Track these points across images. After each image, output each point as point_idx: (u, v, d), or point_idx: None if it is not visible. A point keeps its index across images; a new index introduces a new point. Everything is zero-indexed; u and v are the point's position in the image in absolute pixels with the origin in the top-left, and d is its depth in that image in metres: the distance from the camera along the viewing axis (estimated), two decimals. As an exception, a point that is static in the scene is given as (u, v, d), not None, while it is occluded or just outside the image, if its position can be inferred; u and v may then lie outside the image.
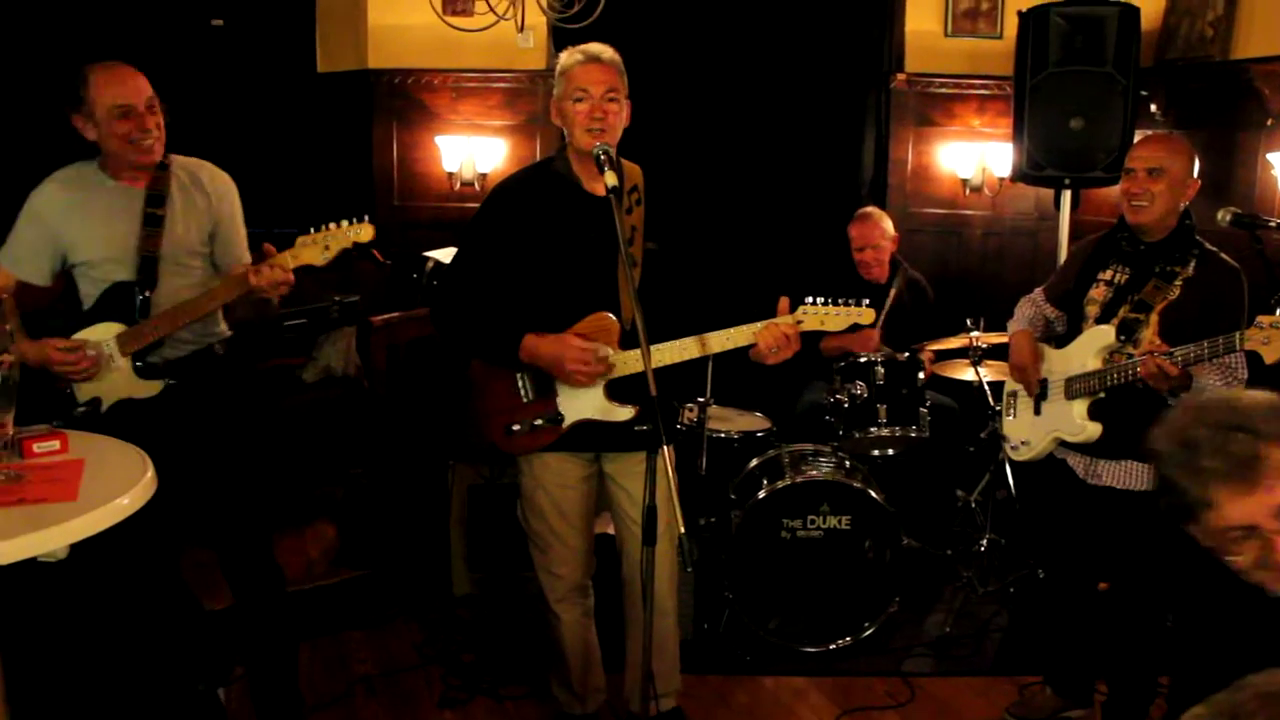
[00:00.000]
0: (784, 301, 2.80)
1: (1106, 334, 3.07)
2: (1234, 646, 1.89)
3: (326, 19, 5.83)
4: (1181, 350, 2.80)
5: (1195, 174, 3.06)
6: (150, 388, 2.92)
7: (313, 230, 2.81)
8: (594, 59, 2.85)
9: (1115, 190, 4.78)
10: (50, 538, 1.95)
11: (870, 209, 4.94)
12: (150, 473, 2.24)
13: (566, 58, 2.89)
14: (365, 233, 2.81)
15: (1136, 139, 3.42)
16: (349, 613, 4.07)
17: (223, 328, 3.10)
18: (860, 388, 4.27)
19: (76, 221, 2.90)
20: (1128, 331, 3.04)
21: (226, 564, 3.10)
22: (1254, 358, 2.74)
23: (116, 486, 2.14)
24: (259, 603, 3.12)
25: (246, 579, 3.10)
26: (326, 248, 2.81)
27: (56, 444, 2.36)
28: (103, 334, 2.88)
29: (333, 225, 2.80)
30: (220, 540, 3.09)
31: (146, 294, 2.89)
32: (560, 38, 4.70)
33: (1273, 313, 2.63)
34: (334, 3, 5.78)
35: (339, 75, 5.76)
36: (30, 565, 1.98)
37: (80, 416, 2.85)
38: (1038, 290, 3.44)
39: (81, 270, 2.93)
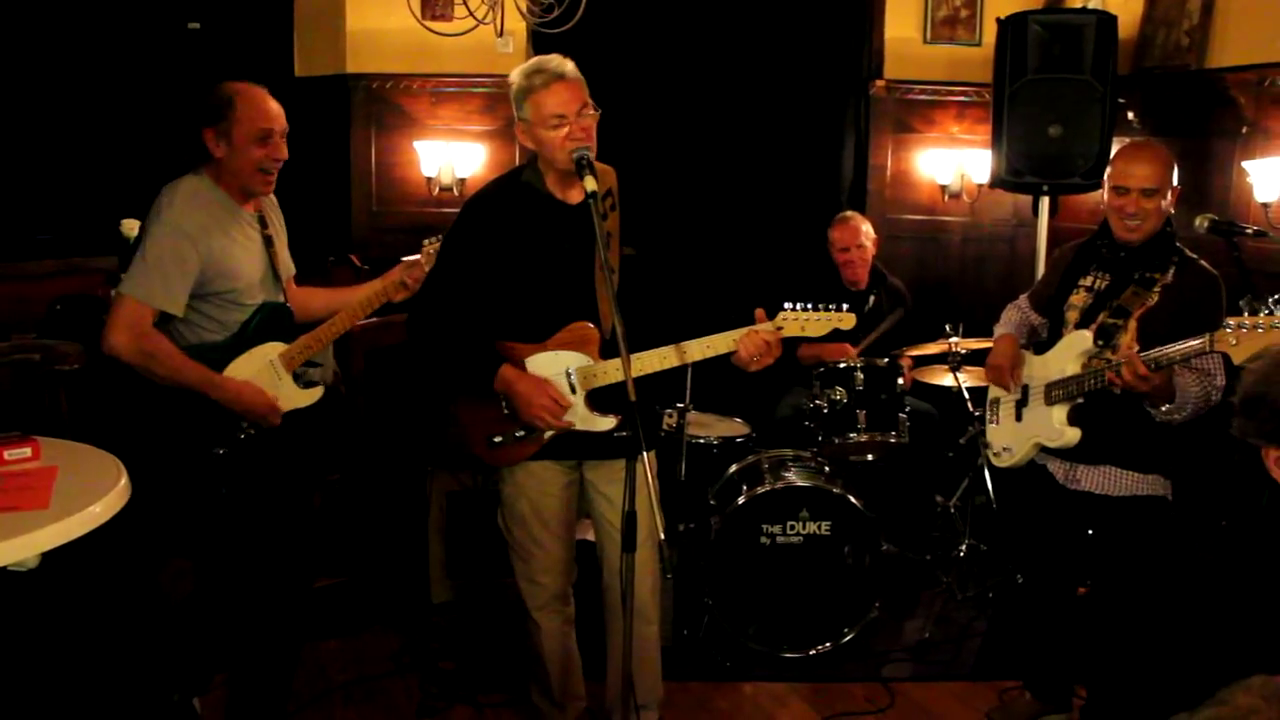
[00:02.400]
0: (759, 313, 2.79)
1: (1084, 339, 3.08)
2: (1218, 648, 1.90)
3: (304, 23, 5.79)
4: (1154, 353, 2.81)
5: (1176, 181, 3.08)
6: (313, 395, 3.07)
7: (437, 239, 3.09)
8: (558, 77, 2.76)
9: (1093, 196, 4.83)
10: (21, 546, 1.93)
11: (850, 212, 4.96)
12: (124, 480, 2.21)
13: (524, 79, 2.78)
14: None
15: (1118, 147, 3.43)
16: (326, 620, 4.04)
17: None
18: (840, 393, 4.28)
19: (224, 248, 2.88)
20: (1106, 337, 3.06)
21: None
22: (1225, 360, 2.76)
23: (89, 494, 2.12)
24: (284, 598, 3.14)
25: (281, 574, 3.12)
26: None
27: (28, 451, 2.33)
28: (265, 355, 2.97)
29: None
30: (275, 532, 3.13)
31: (292, 311, 3.04)
32: (539, 42, 4.70)
33: (1241, 314, 2.64)
34: (312, 7, 5.75)
35: (317, 80, 5.73)
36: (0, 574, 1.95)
37: (248, 438, 2.94)
38: (1022, 296, 3.46)
39: (224, 296, 2.90)
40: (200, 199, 2.87)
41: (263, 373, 2.97)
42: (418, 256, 3.13)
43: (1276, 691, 1.11)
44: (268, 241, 3.02)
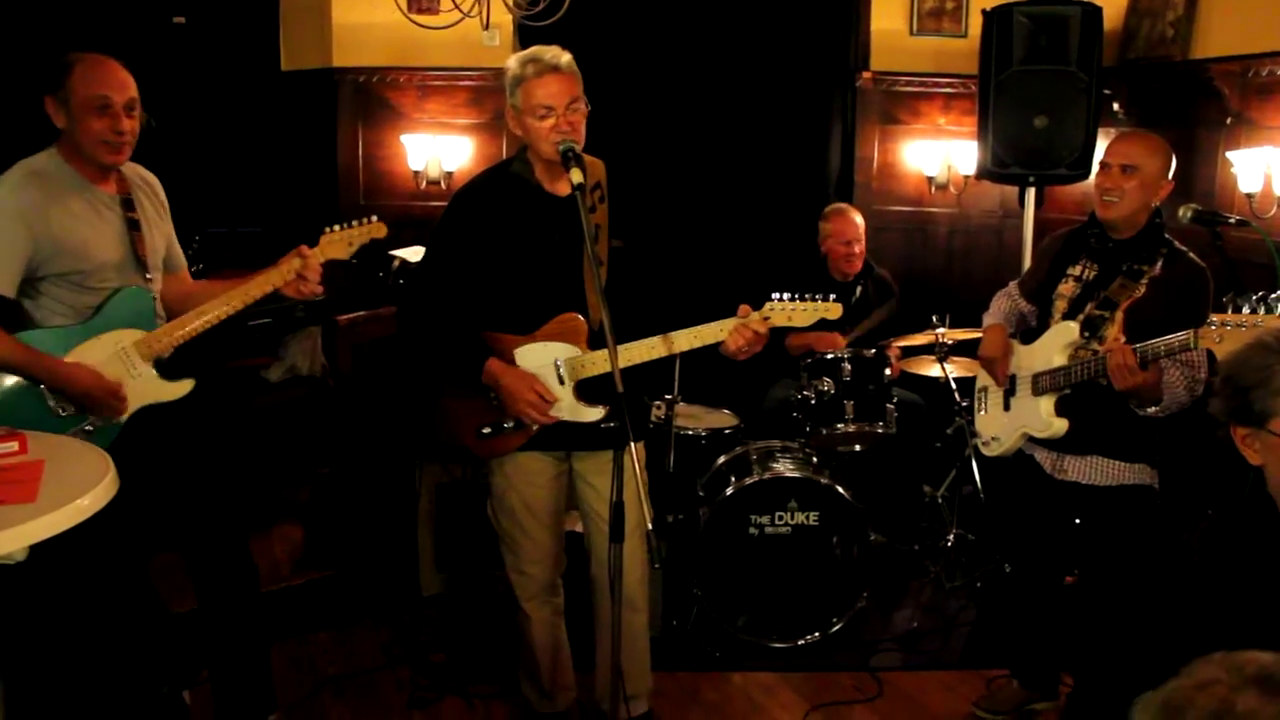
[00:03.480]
0: (744, 309, 2.80)
1: (1071, 330, 3.10)
2: (1196, 632, 1.93)
3: (290, 17, 5.78)
4: (1140, 346, 2.83)
5: (1170, 175, 3.08)
6: (181, 388, 2.89)
7: (337, 227, 2.94)
8: (552, 69, 2.76)
9: (1079, 188, 4.86)
10: (8, 539, 1.92)
11: (842, 204, 4.95)
12: (111, 473, 2.21)
13: (519, 67, 2.80)
14: (380, 230, 2.99)
15: (1107, 136, 3.44)
16: (316, 614, 4.04)
17: None
18: (827, 384, 4.29)
19: (67, 227, 2.73)
20: (1092, 328, 3.07)
21: (195, 565, 3.04)
22: (1209, 355, 2.77)
23: (77, 487, 2.11)
24: (231, 603, 3.07)
25: (218, 579, 3.05)
26: (350, 244, 2.96)
27: (15, 445, 2.32)
28: (116, 342, 2.80)
29: (354, 223, 2.96)
30: (192, 540, 3.04)
31: (154, 298, 2.87)
32: (526, 35, 4.69)
33: (1226, 310, 2.66)
34: (298, 0, 5.74)
35: (303, 73, 5.72)
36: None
37: (96, 430, 2.76)
38: (1012, 284, 3.47)
39: (71, 279, 2.76)
40: (41, 176, 2.75)
41: (112, 361, 2.78)
42: (315, 249, 2.94)
43: (1237, 664, 1.12)
44: (131, 224, 2.86)
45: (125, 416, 2.82)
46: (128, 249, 2.85)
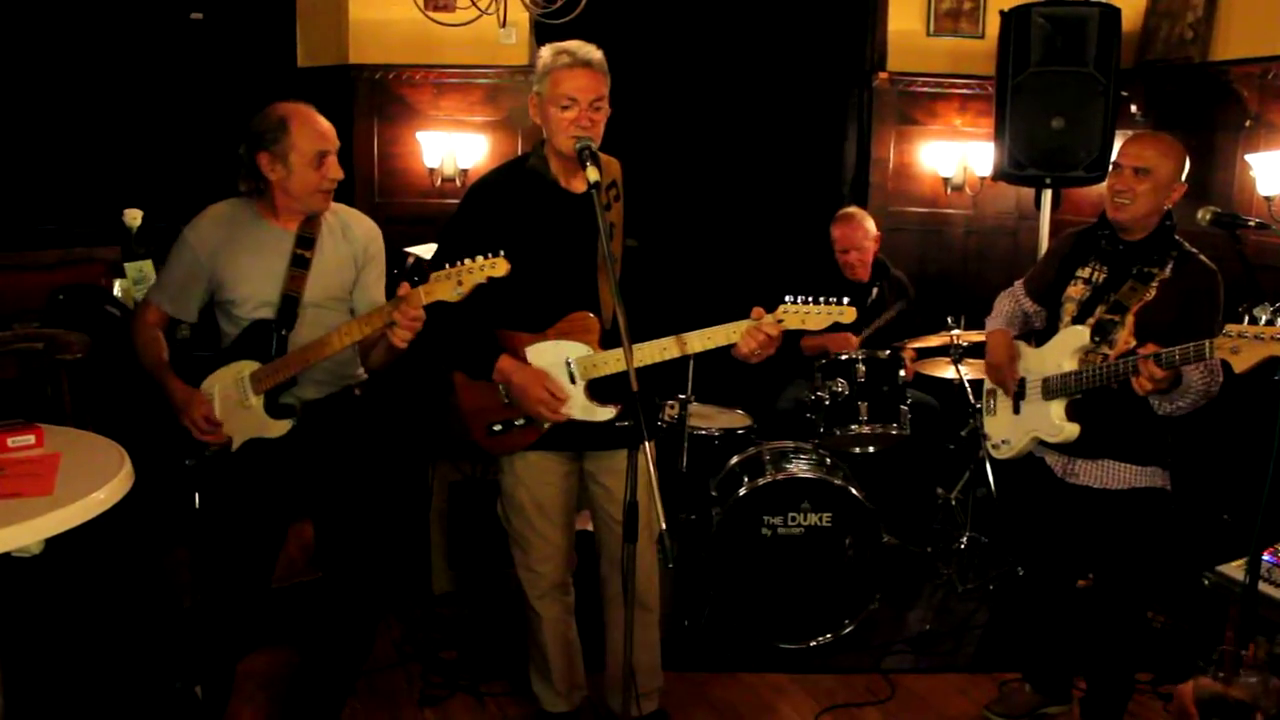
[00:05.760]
0: (757, 311, 2.79)
1: (1081, 335, 3.08)
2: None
3: (307, 13, 5.79)
4: (1153, 353, 2.79)
5: (1183, 178, 3.06)
6: (279, 427, 2.91)
7: (447, 265, 2.66)
8: (583, 64, 2.80)
9: (1095, 190, 4.83)
10: (24, 532, 1.93)
11: (852, 209, 4.93)
12: (127, 467, 2.22)
13: (552, 57, 2.83)
14: (500, 267, 2.64)
15: (1124, 138, 3.40)
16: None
17: (360, 370, 3.08)
18: (841, 385, 4.28)
19: (227, 259, 2.89)
20: (1103, 332, 3.05)
21: (326, 531, 3.11)
22: (1225, 367, 2.73)
23: (93, 481, 2.13)
24: (355, 574, 3.13)
25: (348, 549, 3.10)
26: (460, 283, 2.66)
27: (32, 438, 2.34)
28: (238, 372, 2.90)
29: (468, 260, 2.64)
30: (329, 510, 3.10)
31: (284, 333, 2.90)
32: (543, 33, 4.69)
33: (1242, 321, 2.62)
34: (315, -3, 5.75)
35: (320, 70, 5.73)
36: (3, 560, 1.96)
37: (211, 456, 2.91)
38: (1017, 283, 3.44)
39: (225, 308, 2.93)
40: (222, 219, 2.93)
41: (231, 390, 2.91)
42: (419, 289, 2.70)
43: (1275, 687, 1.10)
44: (298, 261, 2.90)
45: (235, 446, 2.91)
46: (279, 285, 2.90)
